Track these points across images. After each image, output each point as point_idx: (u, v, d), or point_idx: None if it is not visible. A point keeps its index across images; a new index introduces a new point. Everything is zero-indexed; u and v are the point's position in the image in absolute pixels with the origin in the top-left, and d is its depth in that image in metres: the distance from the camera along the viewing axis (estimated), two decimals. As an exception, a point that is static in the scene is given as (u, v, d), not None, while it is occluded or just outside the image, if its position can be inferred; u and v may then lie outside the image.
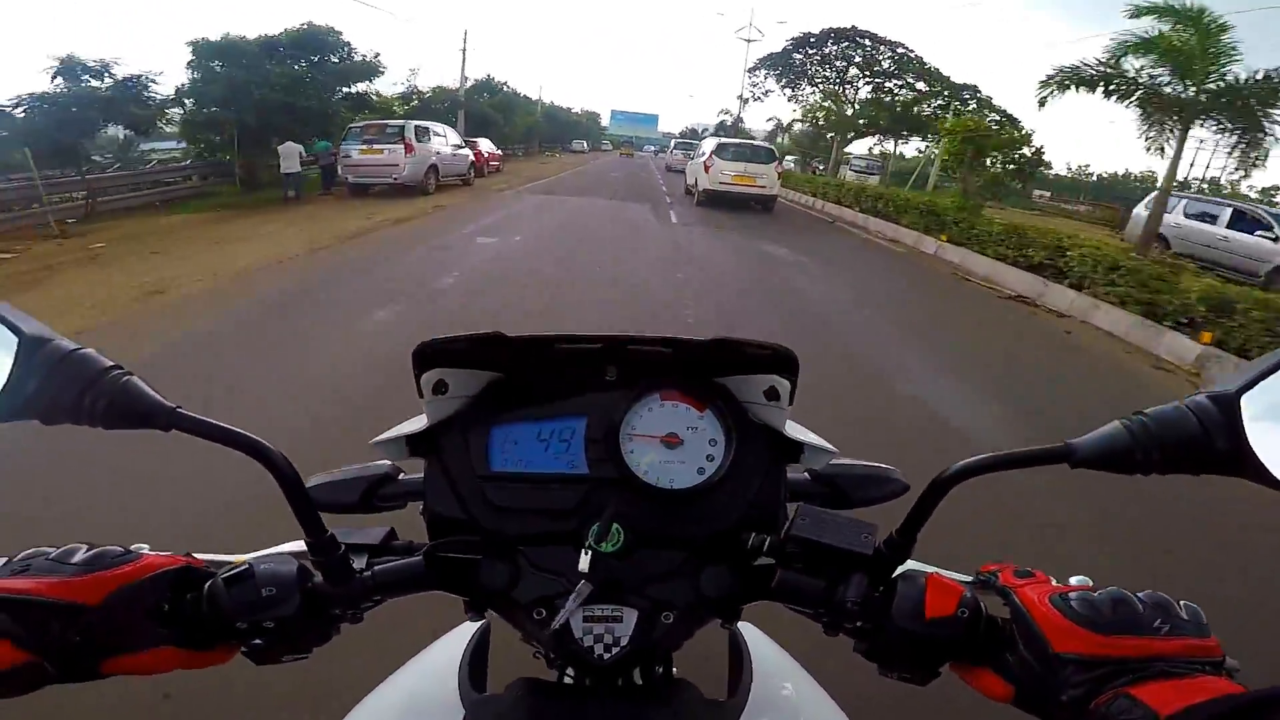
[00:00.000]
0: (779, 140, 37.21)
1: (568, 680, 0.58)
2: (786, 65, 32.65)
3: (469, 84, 33.42)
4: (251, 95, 13.43)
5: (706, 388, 0.55)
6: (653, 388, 0.54)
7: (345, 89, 16.89)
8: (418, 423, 0.57)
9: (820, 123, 29.68)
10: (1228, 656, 0.41)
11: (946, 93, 28.58)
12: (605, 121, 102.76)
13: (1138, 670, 0.40)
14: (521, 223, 10.81)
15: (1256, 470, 0.40)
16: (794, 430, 0.57)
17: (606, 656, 0.49)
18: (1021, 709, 0.45)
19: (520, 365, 0.56)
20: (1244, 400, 0.40)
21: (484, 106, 30.95)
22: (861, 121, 28.42)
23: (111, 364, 0.44)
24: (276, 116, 13.88)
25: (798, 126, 33.63)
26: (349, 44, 16.35)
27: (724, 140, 16.14)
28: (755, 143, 17.92)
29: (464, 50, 33.41)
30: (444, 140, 15.31)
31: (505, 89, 40.49)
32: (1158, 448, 0.42)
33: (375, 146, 13.34)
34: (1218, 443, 0.40)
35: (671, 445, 0.54)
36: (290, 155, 12.74)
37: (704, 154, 14.95)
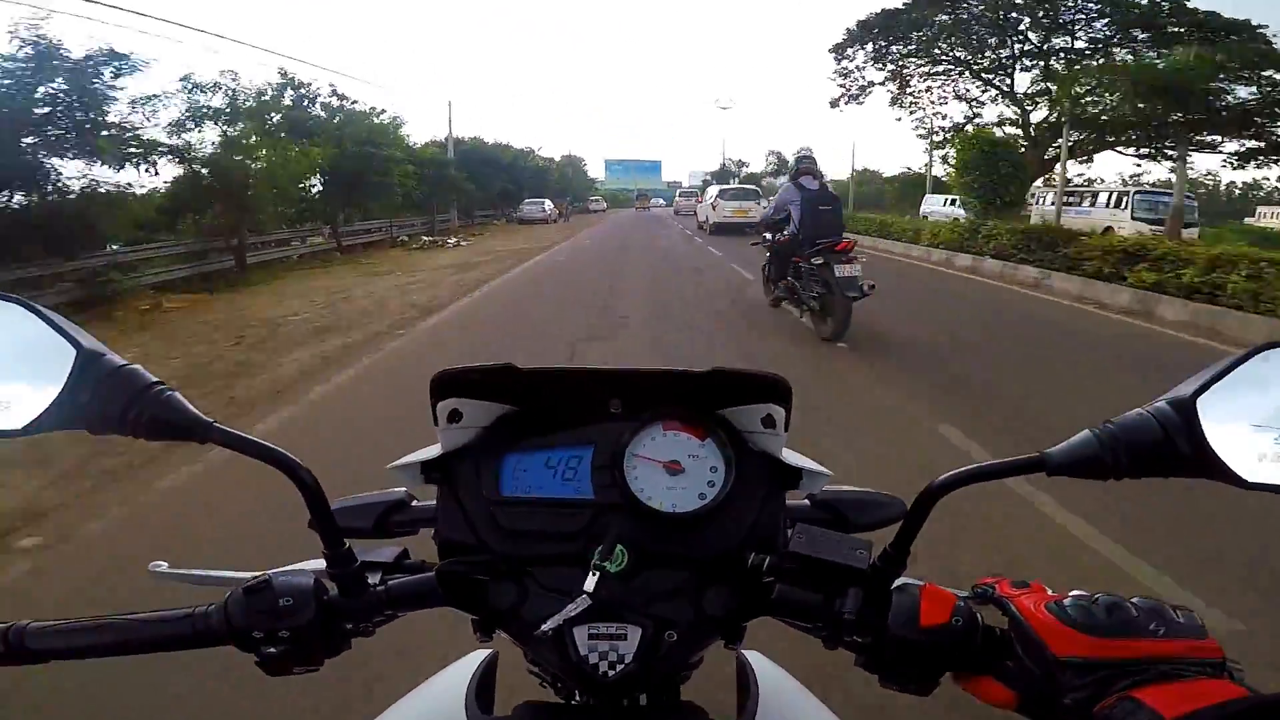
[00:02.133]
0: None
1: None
2: (893, 37, 21.73)
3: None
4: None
5: (707, 417, 0.58)
6: (656, 418, 0.57)
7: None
8: (432, 450, 0.59)
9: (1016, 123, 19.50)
10: (1228, 657, 0.41)
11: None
12: (597, 173, 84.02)
13: (1138, 672, 0.40)
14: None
15: (1221, 470, 0.41)
16: (790, 457, 0.59)
17: (611, 674, 0.50)
18: (1025, 716, 0.45)
19: (530, 397, 0.59)
20: (1201, 403, 0.42)
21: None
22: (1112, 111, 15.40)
23: (155, 380, 0.47)
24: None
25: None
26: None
27: (724, 188, 24.74)
28: (744, 187, 26.09)
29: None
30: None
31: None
32: (1126, 453, 0.43)
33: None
34: (1180, 446, 0.42)
35: (674, 471, 0.56)
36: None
37: (711, 198, 22.80)
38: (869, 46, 22.79)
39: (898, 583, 0.50)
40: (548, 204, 34.61)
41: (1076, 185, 20.73)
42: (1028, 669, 0.44)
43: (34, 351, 0.45)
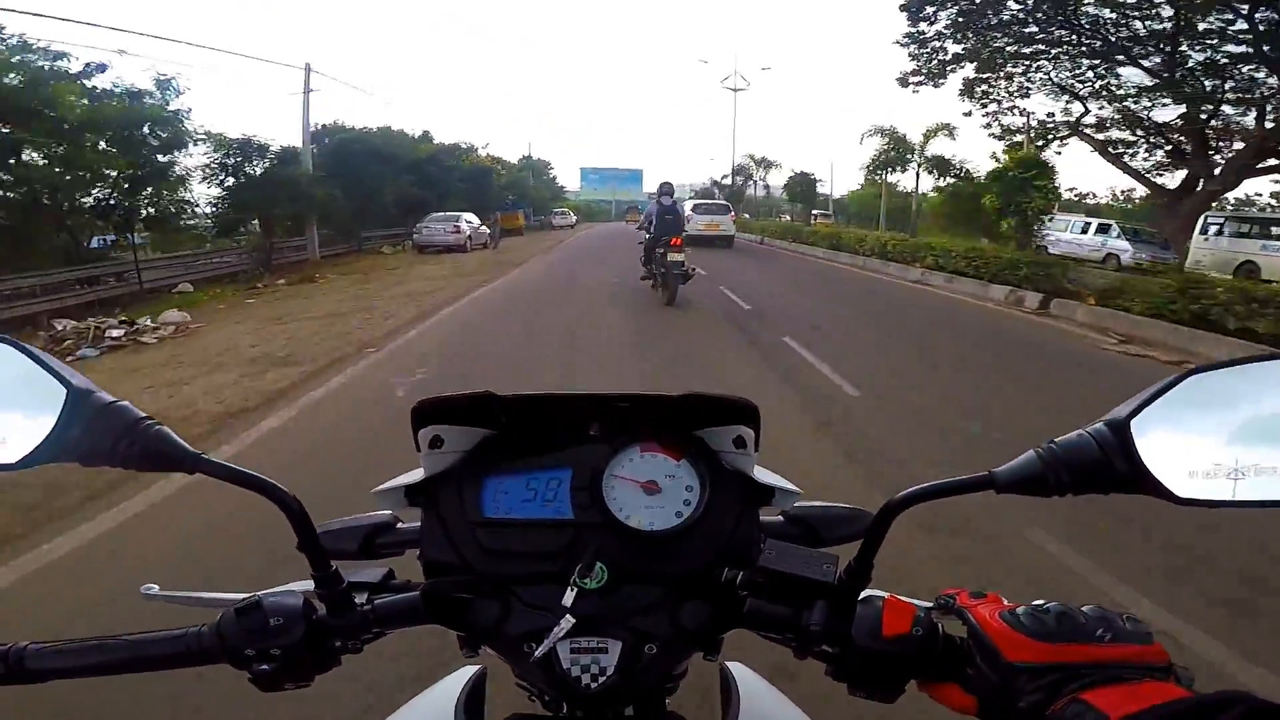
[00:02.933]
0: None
1: None
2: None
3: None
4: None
5: (682, 439, 0.60)
6: (633, 440, 0.59)
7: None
8: (415, 475, 0.61)
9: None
10: (1175, 663, 0.43)
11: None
12: (570, 182, 73.17)
13: (1087, 676, 0.42)
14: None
15: (1155, 487, 0.44)
16: (762, 475, 0.61)
17: (593, 686, 0.52)
18: None
19: (510, 422, 0.61)
20: (1135, 425, 0.44)
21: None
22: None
23: (144, 415, 0.49)
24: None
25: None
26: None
27: (697, 202, 24.74)
28: (717, 202, 26.00)
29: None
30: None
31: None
32: (1067, 472, 0.46)
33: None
34: (1116, 465, 0.44)
35: (651, 491, 0.58)
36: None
37: (686, 212, 20.41)
38: (951, 9, 16.15)
39: (863, 595, 0.51)
40: (466, 220, 22.06)
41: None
42: (985, 675, 0.46)
43: (26, 389, 0.47)
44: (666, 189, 9.72)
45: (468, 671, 0.71)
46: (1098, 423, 0.46)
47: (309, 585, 0.54)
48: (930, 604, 0.52)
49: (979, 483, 0.48)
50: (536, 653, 0.51)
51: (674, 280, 8.94)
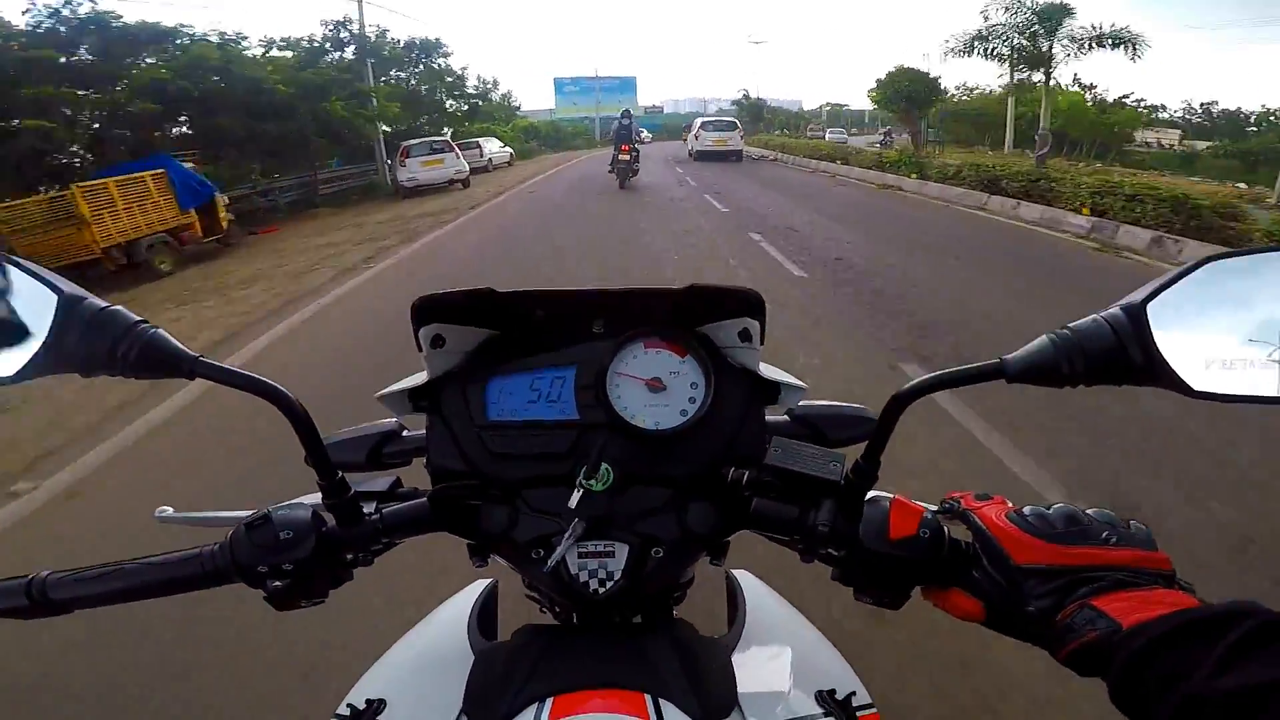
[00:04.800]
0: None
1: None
2: None
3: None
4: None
5: (686, 334, 0.58)
6: (636, 336, 0.58)
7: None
8: (419, 377, 0.60)
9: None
10: (1178, 573, 0.43)
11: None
12: (539, 99, 59.26)
13: (1095, 581, 0.42)
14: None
15: (1169, 378, 0.42)
16: (767, 370, 0.60)
17: (601, 591, 0.52)
18: (993, 628, 0.47)
19: (512, 321, 0.59)
20: (1151, 310, 0.43)
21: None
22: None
23: (139, 318, 0.47)
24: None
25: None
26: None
27: (706, 119, 25.38)
28: (725, 119, 26.03)
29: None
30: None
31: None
32: (1081, 359, 0.44)
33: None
34: (1131, 352, 0.43)
35: (656, 389, 0.57)
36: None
37: (695, 129, 24.19)
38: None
39: (869, 495, 0.51)
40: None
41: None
42: (992, 579, 0.46)
43: (15, 301, 0.45)
44: (625, 115, 14.36)
45: (480, 585, 0.73)
46: (1113, 307, 0.45)
47: (317, 498, 0.54)
48: (935, 507, 0.52)
49: (989, 371, 0.47)
50: (550, 560, 0.51)
51: (623, 173, 14.31)
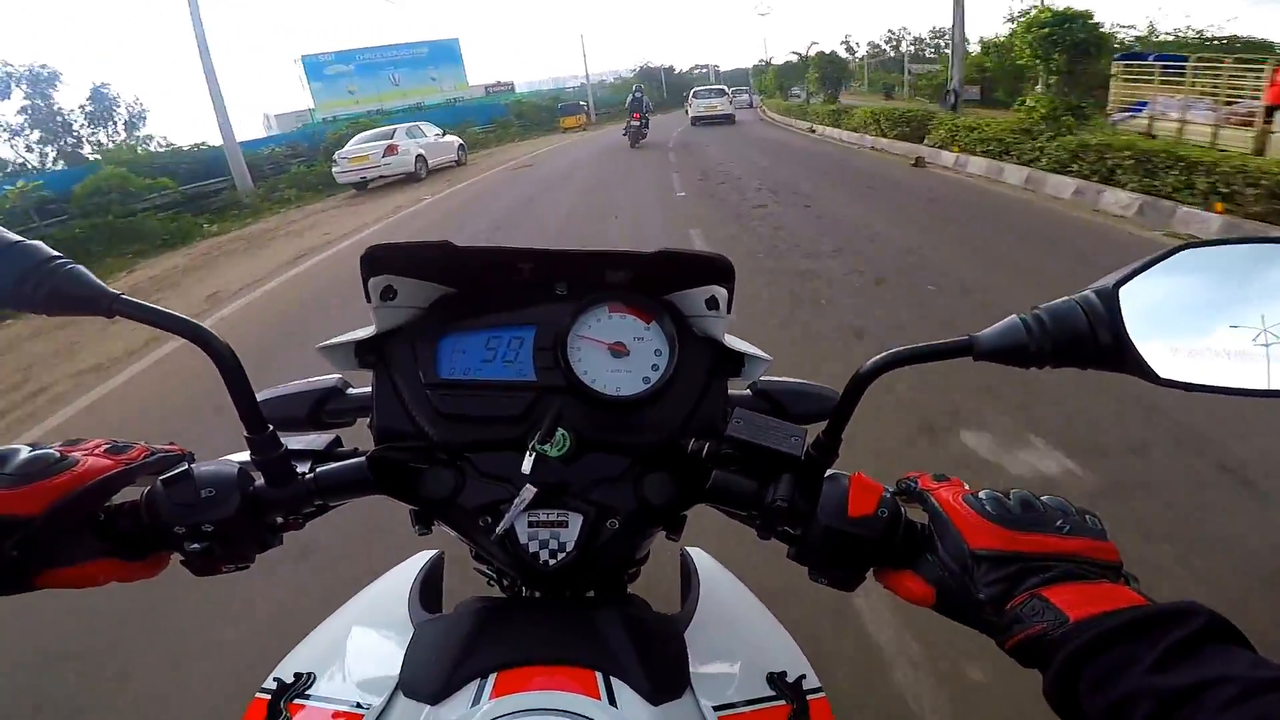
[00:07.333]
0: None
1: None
2: None
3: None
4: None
5: (653, 300, 0.56)
6: (601, 299, 0.55)
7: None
8: (366, 331, 0.56)
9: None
10: (1125, 565, 0.43)
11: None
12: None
13: (1045, 570, 0.42)
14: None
15: (1136, 364, 0.42)
16: (733, 342, 0.58)
17: (551, 562, 0.50)
18: (943, 614, 0.47)
19: (470, 279, 0.56)
20: (1123, 294, 0.43)
21: None
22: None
23: (56, 254, 0.45)
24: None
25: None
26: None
27: (698, 89, 28.66)
28: (714, 88, 29.42)
29: None
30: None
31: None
32: (1050, 340, 0.44)
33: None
34: (1101, 336, 0.43)
35: (618, 354, 0.55)
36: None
37: (690, 97, 27.62)
38: None
39: (829, 472, 0.50)
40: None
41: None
42: (945, 563, 0.46)
43: None
44: (638, 89, 18.80)
45: (424, 556, 0.70)
46: (1086, 290, 0.44)
47: (246, 457, 0.51)
48: (892, 488, 0.51)
49: (957, 348, 0.46)
50: (499, 527, 0.49)
51: (633, 137, 17.73)
